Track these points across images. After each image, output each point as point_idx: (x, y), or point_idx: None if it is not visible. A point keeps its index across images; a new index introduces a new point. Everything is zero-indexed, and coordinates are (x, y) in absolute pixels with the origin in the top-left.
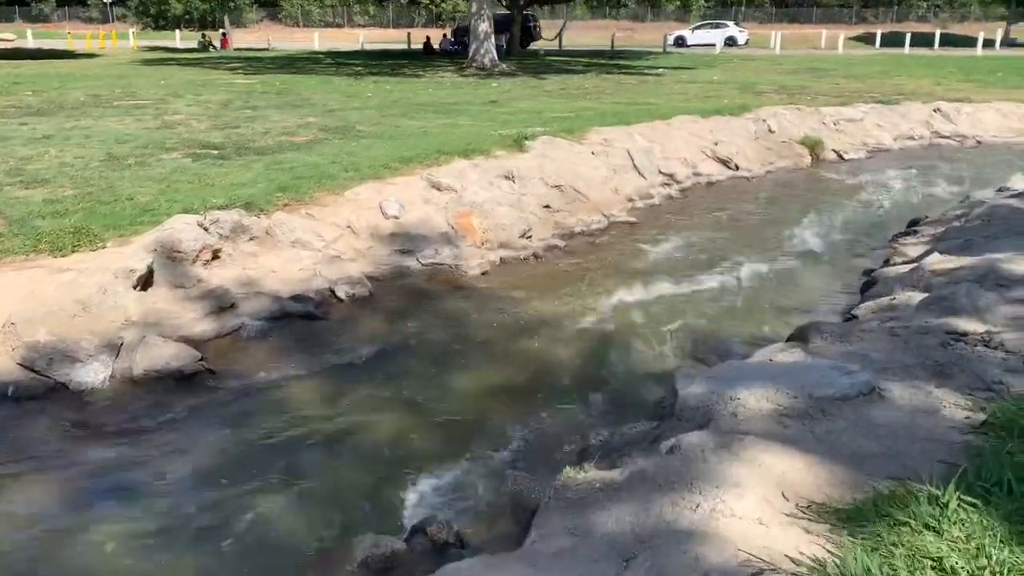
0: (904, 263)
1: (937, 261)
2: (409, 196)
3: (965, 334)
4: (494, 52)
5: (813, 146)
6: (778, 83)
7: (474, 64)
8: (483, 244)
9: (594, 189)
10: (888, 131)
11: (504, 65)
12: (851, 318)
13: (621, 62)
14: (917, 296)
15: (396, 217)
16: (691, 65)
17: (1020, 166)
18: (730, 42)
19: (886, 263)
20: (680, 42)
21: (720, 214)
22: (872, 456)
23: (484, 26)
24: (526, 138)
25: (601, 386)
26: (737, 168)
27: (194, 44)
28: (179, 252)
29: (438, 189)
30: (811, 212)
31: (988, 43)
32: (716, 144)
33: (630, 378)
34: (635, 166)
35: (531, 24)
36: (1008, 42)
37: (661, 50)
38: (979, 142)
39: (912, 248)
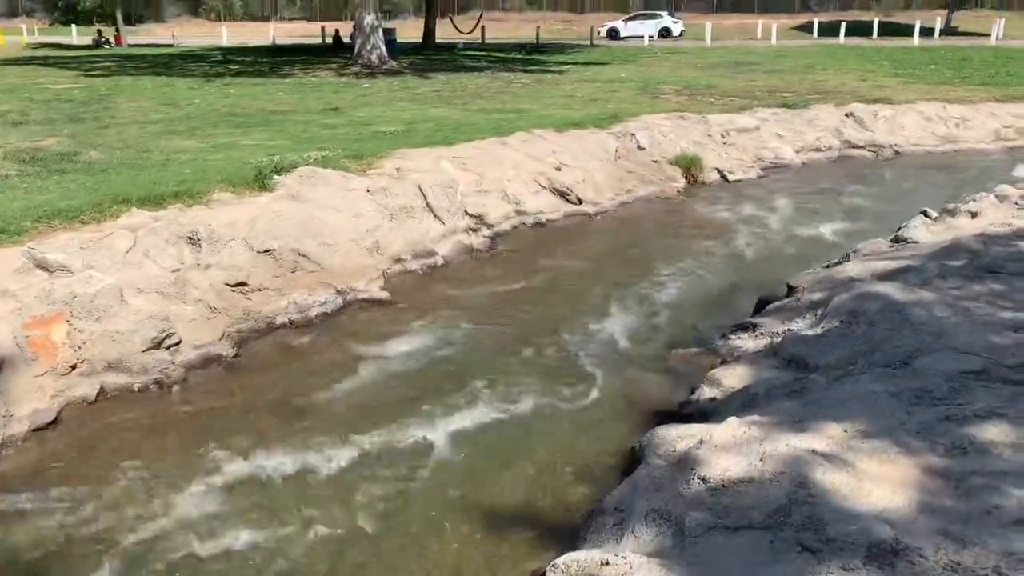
0: (710, 403)
1: (729, 441)
2: None
3: None
4: (383, 47)
5: (689, 165)
6: (686, 81)
7: (359, 61)
8: (74, 368)
9: (338, 249)
10: (790, 142)
11: (395, 63)
12: None
13: (537, 57)
14: None
15: None
16: (607, 60)
17: (934, 191)
18: (664, 33)
19: (691, 395)
20: (613, 34)
21: (515, 284)
22: None
23: (370, 19)
24: (276, 172)
25: None
26: (579, 201)
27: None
28: None
29: (45, 270)
30: (643, 276)
31: (928, 31)
32: (559, 169)
33: None
34: (429, 206)
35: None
36: (949, 30)
37: (588, 43)
38: (897, 152)
39: (731, 372)
